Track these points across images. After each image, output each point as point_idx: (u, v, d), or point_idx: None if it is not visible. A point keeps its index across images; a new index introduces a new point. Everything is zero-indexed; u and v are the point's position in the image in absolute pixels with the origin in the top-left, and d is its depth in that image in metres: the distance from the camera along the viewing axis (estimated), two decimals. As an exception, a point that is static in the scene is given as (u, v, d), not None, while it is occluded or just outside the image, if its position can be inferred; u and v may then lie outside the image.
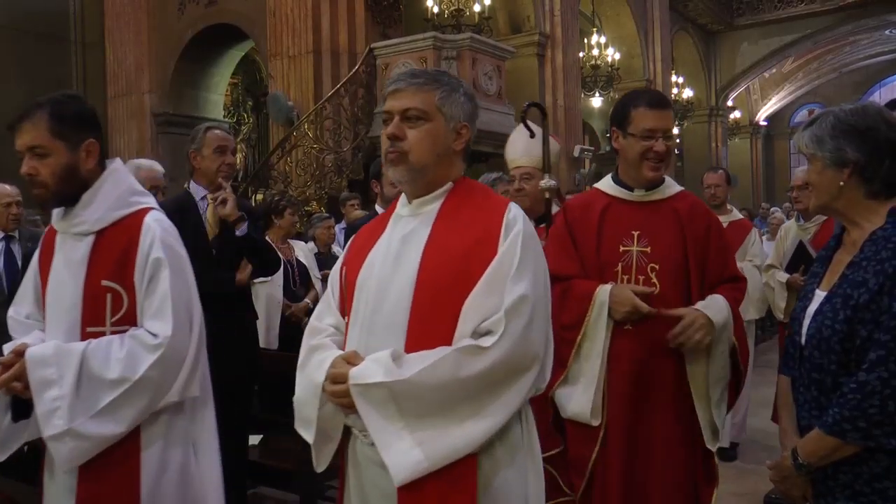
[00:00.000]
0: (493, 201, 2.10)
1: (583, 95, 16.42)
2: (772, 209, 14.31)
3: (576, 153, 14.42)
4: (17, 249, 5.30)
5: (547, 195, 3.53)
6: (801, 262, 5.12)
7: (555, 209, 3.50)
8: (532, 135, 3.53)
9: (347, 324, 2.11)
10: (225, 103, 14.56)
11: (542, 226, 3.47)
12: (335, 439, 2.11)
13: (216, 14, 12.37)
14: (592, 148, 16.71)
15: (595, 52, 16.91)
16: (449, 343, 1.90)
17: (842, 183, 2.12)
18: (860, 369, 1.97)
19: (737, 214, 6.14)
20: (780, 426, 2.33)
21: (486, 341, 1.87)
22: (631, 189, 2.98)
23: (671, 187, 2.99)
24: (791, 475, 2.14)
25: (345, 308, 2.15)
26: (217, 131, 3.97)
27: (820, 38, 22.53)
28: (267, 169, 10.79)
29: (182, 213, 3.71)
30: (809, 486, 2.14)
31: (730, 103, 24.73)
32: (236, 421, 3.81)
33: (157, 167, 4.65)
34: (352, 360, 1.95)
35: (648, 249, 2.84)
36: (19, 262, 5.19)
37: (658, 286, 2.81)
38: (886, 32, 23.63)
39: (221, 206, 3.75)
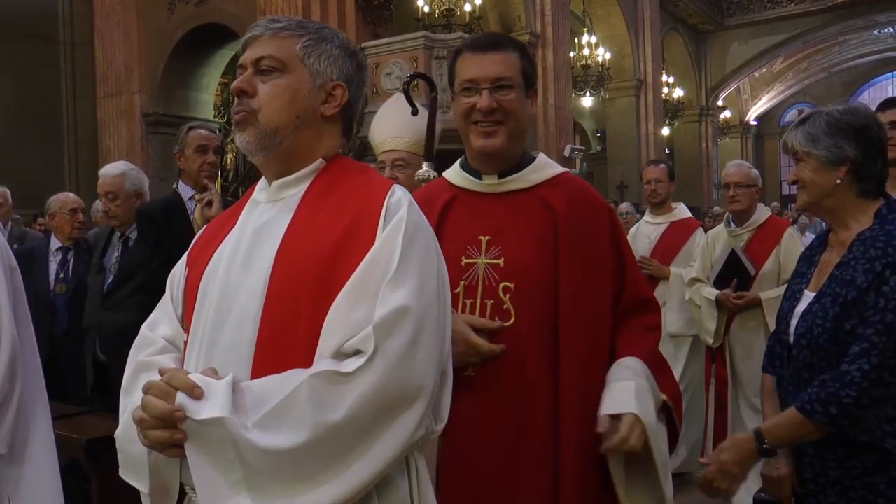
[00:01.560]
0: (372, 182, 1.62)
1: (573, 95, 16.45)
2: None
3: (566, 153, 14.45)
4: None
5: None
6: (734, 274, 4.31)
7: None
8: (414, 111, 2.86)
9: (187, 341, 1.62)
10: (215, 103, 14.52)
11: None
12: (173, 493, 1.54)
13: (206, 14, 12.33)
14: (583, 148, 16.75)
15: (586, 51, 16.96)
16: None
17: (839, 181, 2.14)
18: (844, 360, 1.99)
19: (682, 213, 5.41)
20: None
21: (350, 364, 1.39)
22: (479, 176, 2.15)
23: (542, 169, 2.12)
24: (747, 456, 2.10)
25: (186, 318, 1.65)
26: (199, 130, 3.91)
27: (809, 38, 22.66)
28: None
29: (169, 213, 3.70)
30: (790, 479, 2.14)
31: (720, 103, 24.83)
32: None
33: None
34: (177, 383, 1.39)
35: (500, 262, 2.01)
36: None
37: (512, 315, 2.00)
38: (875, 32, 23.80)
39: (207, 207, 3.72)
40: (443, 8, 12.05)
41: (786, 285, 3.69)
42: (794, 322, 2.20)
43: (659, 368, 2.08)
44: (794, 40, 22.66)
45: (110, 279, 4.23)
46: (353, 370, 1.37)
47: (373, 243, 1.48)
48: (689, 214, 5.45)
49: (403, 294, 1.42)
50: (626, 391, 1.95)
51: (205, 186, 3.73)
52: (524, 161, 2.13)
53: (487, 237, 2.06)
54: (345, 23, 10.94)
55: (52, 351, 4.68)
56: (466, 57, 2.07)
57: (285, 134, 1.60)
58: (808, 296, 2.20)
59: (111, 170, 4.25)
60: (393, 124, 3.18)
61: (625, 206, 9.11)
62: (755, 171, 4.49)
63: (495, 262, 2.03)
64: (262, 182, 1.72)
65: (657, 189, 5.31)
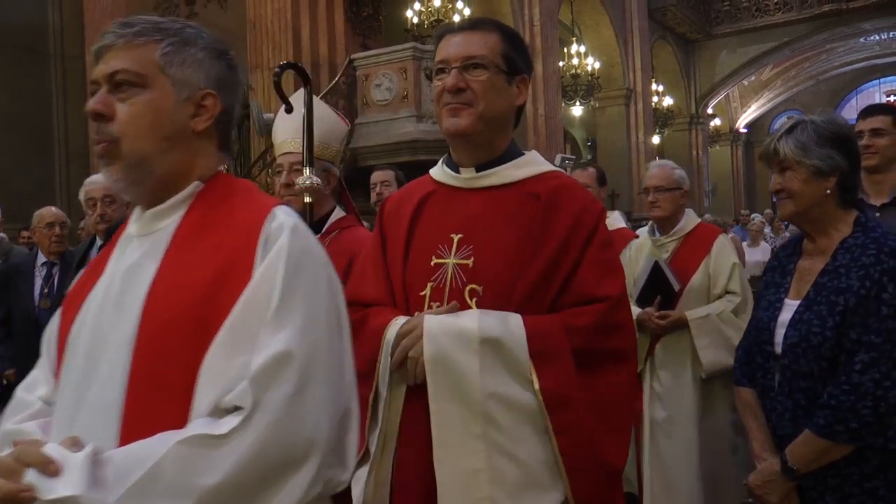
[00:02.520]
0: (252, 204, 1.41)
1: (563, 104, 16.51)
2: (752, 216, 14.41)
3: (557, 162, 14.46)
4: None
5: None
6: (657, 289, 3.70)
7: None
8: (289, 109, 2.59)
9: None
10: (207, 116, 14.51)
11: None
12: None
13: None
14: (573, 157, 16.78)
15: (575, 61, 17.03)
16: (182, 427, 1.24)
17: (829, 191, 2.15)
18: (853, 371, 1.98)
19: (616, 222, 4.79)
20: (750, 437, 2.30)
21: (226, 424, 1.20)
22: (458, 169, 1.99)
23: (528, 166, 1.93)
24: (776, 481, 2.13)
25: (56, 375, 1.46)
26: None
27: (797, 46, 22.81)
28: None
29: None
30: (794, 493, 2.13)
31: (710, 111, 24.96)
32: None
33: None
34: (29, 458, 1.20)
35: (470, 262, 1.82)
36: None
37: None
38: (861, 40, 23.97)
39: None
40: (431, 19, 12.10)
41: (719, 303, 3.62)
42: (779, 332, 2.18)
43: (544, 349, 1.70)
44: (782, 48, 22.81)
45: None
46: (227, 431, 1.19)
47: (250, 277, 1.28)
48: (622, 224, 5.00)
49: (285, 337, 1.24)
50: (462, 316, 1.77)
51: None
52: (507, 155, 1.94)
53: (459, 235, 1.87)
54: (334, 34, 10.98)
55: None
56: (444, 39, 1.93)
57: (154, 162, 1.38)
58: (791, 304, 2.19)
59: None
60: (289, 125, 2.79)
61: (616, 215, 9.03)
62: (679, 172, 3.90)
63: (464, 262, 1.83)
64: (135, 212, 1.47)
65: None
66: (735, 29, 23.06)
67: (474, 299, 1.81)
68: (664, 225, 3.91)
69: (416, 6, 12.26)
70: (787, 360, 2.14)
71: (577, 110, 18.10)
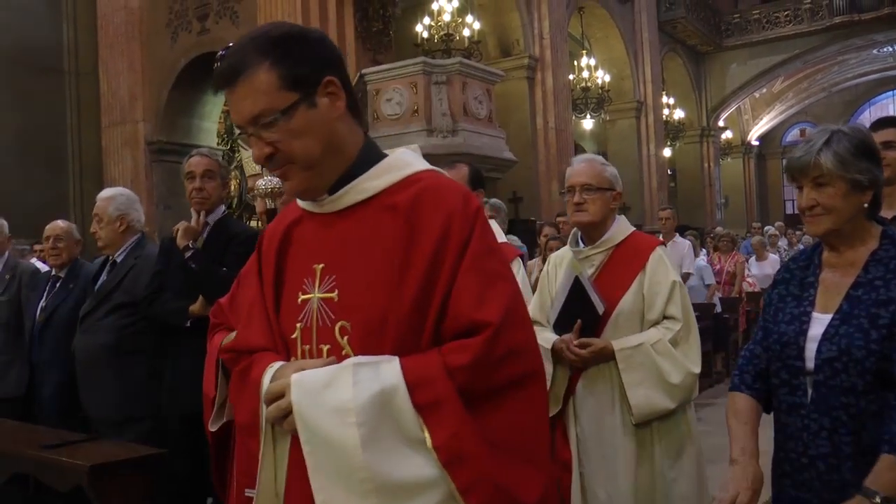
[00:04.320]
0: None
1: (574, 118, 16.54)
2: (765, 228, 14.37)
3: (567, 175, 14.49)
4: None
5: (268, 203, 2.22)
6: (577, 311, 3.02)
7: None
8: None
9: None
10: (218, 130, 14.63)
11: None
12: None
13: (208, 42, 12.46)
14: (585, 169, 16.79)
15: (585, 74, 17.09)
16: None
17: (866, 205, 2.09)
18: None
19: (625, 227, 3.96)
20: (731, 438, 2.18)
21: None
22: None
23: (386, 173, 1.62)
24: None
25: None
26: (191, 157, 3.87)
27: (808, 58, 22.81)
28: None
29: (172, 242, 3.73)
30: None
31: (721, 123, 24.96)
32: (197, 476, 3.44)
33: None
34: None
35: (334, 295, 1.59)
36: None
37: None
38: (874, 52, 23.93)
39: (181, 235, 3.72)
40: (441, 33, 12.17)
41: (654, 331, 2.98)
42: (810, 346, 2.09)
43: (430, 398, 1.45)
44: (794, 60, 22.81)
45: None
46: None
47: None
48: (503, 238, 4.21)
49: None
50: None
51: (198, 213, 3.74)
52: (360, 164, 1.61)
53: (321, 265, 1.62)
54: (345, 49, 11.05)
55: (30, 379, 4.81)
56: (225, 96, 1.62)
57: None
58: (821, 318, 2.11)
59: (103, 193, 4.32)
60: None
61: (772, 231, 8.99)
62: (611, 170, 3.21)
63: (328, 296, 1.59)
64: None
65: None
66: (746, 41, 23.09)
67: (345, 337, 1.55)
68: (590, 233, 3.17)
69: (426, 21, 12.33)
70: (823, 375, 2.05)
71: (587, 123, 18.13)
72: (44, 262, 7.07)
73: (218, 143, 14.41)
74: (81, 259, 5.04)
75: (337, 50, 1.63)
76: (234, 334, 1.83)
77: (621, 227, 3.17)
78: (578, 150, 18.91)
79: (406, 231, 1.52)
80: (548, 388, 3.02)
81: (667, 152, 21.04)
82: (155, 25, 12.95)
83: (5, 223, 5.50)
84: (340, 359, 1.52)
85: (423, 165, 1.65)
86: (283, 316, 1.67)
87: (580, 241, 3.22)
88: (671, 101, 21.89)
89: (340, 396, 1.43)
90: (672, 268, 3.12)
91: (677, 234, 8.93)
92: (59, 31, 13.79)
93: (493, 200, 5.91)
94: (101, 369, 3.91)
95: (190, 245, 3.62)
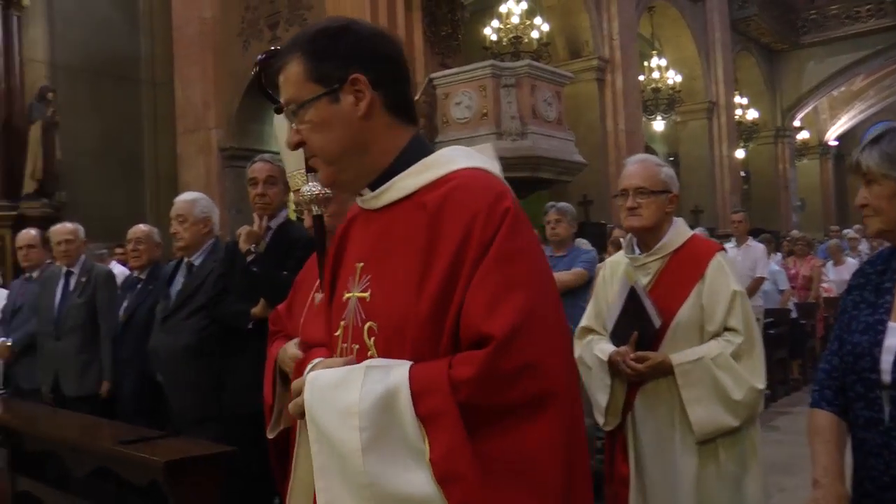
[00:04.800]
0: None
1: (644, 119, 16.33)
2: (844, 231, 13.92)
3: (638, 177, 14.31)
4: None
5: (313, 209, 2.15)
6: (634, 322, 2.88)
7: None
8: (279, 108, 2.03)
9: None
10: (289, 136, 14.88)
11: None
12: None
13: (279, 50, 12.70)
14: (655, 172, 16.55)
15: (655, 74, 16.83)
16: None
17: None
18: None
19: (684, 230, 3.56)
20: (814, 461, 2.06)
21: None
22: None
23: (428, 170, 1.56)
24: None
25: None
26: (254, 163, 3.93)
27: (892, 54, 21.97)
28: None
29: (235, 245, 3.79)
30: None
31: (797, 123, 24.26)
32: (260, 475, 3.37)
33: None
34: None
35: (367, 295, 1.57)
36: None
37: None
38: (961, 46, 22.95)
39: (243, 239, 3.76)
40: (510, 36, 12.14)
41: (714, 344, 2.78)
42: (886, 358, 1.97)
43: (433, 409, 1.37)
44: (875, 57, 21.99)
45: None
46: None
47: None
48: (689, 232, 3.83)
49: None
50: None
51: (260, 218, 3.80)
52: (401, 162, 1.57)
53: (361, 264, 1.61)
54: (413, 54, 11.11)
55: (114, 376, 5.08)
56: None
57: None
58: None
59: (185, 196, 4.40)
60: (294, 154, 2.36)
61: (699, 232, 8.75)
62: (666, 171, 3.03)
63: (363, 295, 1.58)
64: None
65: None
66: (823, 38, 22.37)
67: (372, 339, 1.53)
68: (645, 239, 3.00)
69: (495, 24, 12.32)
70: None
71: (658, 125, 17.85)
72: (123, 264, 7.28)
73: (289, 149, 14.63)
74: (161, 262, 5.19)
75: (383, 47, 1.58)
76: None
77: (678, 232, 2.99)
78: (649, 151, 18.66)
79: (430, 231, 1.46)
80: (605, 403, 2.96)
81: (740, 154, 20.58)
82: (227, 35, 13.23)
83: (81, 228, 5.70)
84: (365, 359, 1.49)
85: (468, 163, 1.55)
86: (333, 312, 1.69)
87: (635, 247, 3.05)
88: (744, 101, 21.38)
89: (347, 398, 1.40)
90: (734, 276, 2.89)
91: (750, 238, 8.73)
92: (137, 43, 14.24)
93: (562, 204, 5.84)
94: (183, 369, 3.99)
95: (252, 249, 3.68)
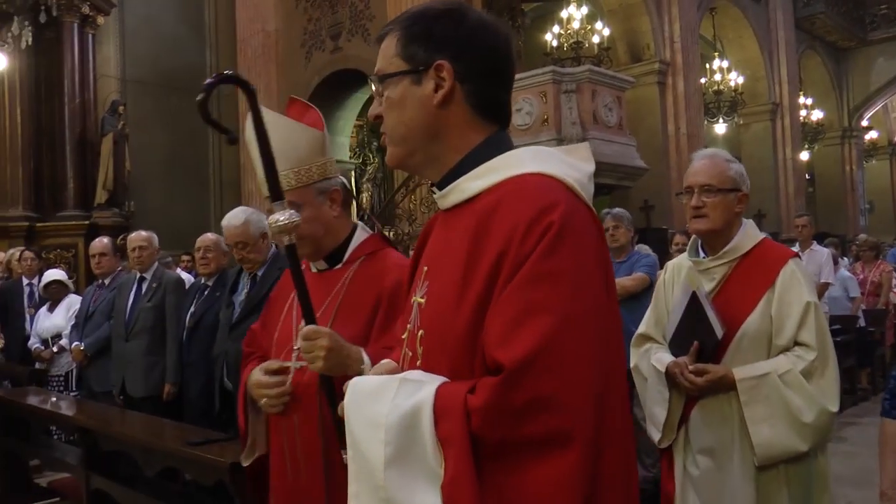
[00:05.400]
0: None
1: (706, 122, 16.09)
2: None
3: (700, 181, 14.11)
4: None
5: (284, 239, 1.97)
6: (695, 331, 2.64)
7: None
8: (231, 139, 2.07)
9: None
10: (351, 145, 15.09)
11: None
12: None
13: (341, 60, 12.87)
14: (718, 175, 16.29)
15: (717, 76, 16.58)
16: None
17: None
18: None
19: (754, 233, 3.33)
20: (882, 473, 2.01)
21: None
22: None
23: (491, 173, 1.46)
24: None
25: None
26: None
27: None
28: (392, 207, 11.09)
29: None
30: None
31: (865, 123, 23.57)
32: None
33: None
34: None
35: (424, 301, 1.52)
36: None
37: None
38: None
39: None
40: (571, 41, 12.11)
41: (784, 359, 2.54)
42: None
43: (449, 432, 1.29)
44: (949, 52, 21.32)
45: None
46: None
47: None
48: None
49: None
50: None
51: None
52: (468, 162, 1.49)
53: (426, 268, 1.55)
54: (473, 62, 11.19)
55: (179, 379, 5.29)
56: None
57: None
58: None
59: (233, 220, 4.39)
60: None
61: None
62: (736, 167, 2.76)
63: (421, 301, 1.52)
64: None
65: None
66: (894, 33, 21.76)
67: (421, 348, 1.47)
68: (711, 241, 2.76)
69: (556, 29, 12.31)
70: None
71: (720, 128, 17.56)
72: (188, 272, 7.48)
73: (350, 157, 14.85)
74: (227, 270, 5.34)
75: (484, 40, 1.48)
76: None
77: (748, 235, 2.74)
78: (711, 155, 18.39)
79: (475, 240, 1.38)
80: (663, 417, 2.71)
81: (804, 156, 20.09)
82: (290, 46, 13.47)
83: (155, 236, 5.90)
84: (415, 369, 1.45)
85: (536, 167, 1.42)
86: (404, 315, 1.64)
87: (700, 250, 2.81)
88: (809, 101, 20.87)
89: (378, 409, 1.35)
90: (808, 286, 2.63)
91: (815, 242, 8.53)
92: (203, 57, 14.62)
93: (616, 210, 5.81)
94: None
95: None
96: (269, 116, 2.16)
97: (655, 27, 14.06)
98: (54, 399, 5.47)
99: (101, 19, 12.22)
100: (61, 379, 6.84)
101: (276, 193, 1.95)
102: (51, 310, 7.01)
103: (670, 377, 2.67)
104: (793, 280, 2.60)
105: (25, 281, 7.79)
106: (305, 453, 2.15)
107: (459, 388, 1.31)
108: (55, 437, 5.90)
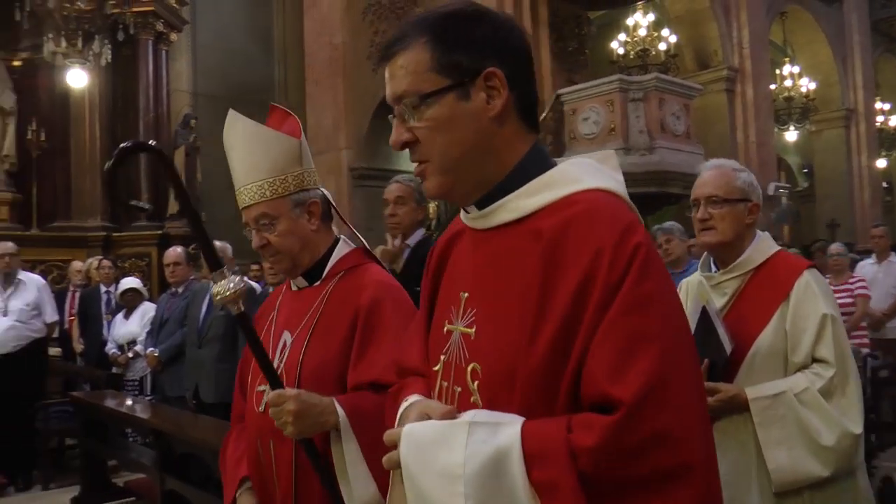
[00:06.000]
0: None
1: (776, 130, 15.76)
2: None
3: (770, 191, 13.78)
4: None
5: (232, 308, 1.90)
6: (707, 348, 2.43)
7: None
8: (142, 209, 1.89)
9: None
10: (416, 155, 15.20)
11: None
12: None
13: (407, 71, 13.00)
14: (788, 185, 15.95)
15: (788, 82, 16.23)
16: None
17: None
18: None
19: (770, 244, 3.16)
20: None
21: None
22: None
23: (546, 189, 1.34)
24: None
25: None
26: (390, 184, 4.02)
27: None
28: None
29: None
30: None
31: (946, 129, 22.79)
32: None
33: None
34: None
35: (472, 332, 1.37)
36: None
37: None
38: None
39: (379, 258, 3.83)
40: (637, 49, 12.01)
41: (801, 377, 2.38)
42: None
43: (549, 477, 1.17)
44: None
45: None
46: None
47: None
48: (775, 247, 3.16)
49: None
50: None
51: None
52: (517, 176, 1.35)
53: (466, 294, 1.40)
54: (540, 71, 11.16)
55: None
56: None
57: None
58: None
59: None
60: (244, 161, 2.15)
61: (836, 247, 7.96)
62: (745, 177, 2.62)
63: (467, 330, 1.37)
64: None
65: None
66: (976, 37, 20.98)
67: (476, 382, 1.33)
68: (722, 255, 2.61)
69: (622, 37, 12.22)
70: None
71: (791, 135, 17.19)
72: (257, 281, 7.64)
73: (414, 168, 14.94)
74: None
75: (518, 39, 1.36)
76: None
77: (761, 247, 2.58)
78: (781, 163, 17.99)
79: (547, 266, 1.25)
80: None
81: (881, 163, 19.49)
82: (356, 58, 13.65)
83: (229, 246, 6.03)
84: (469, 407, 1.31)
85: (595, 183, 1.32)
86: (431, 343, 1.49)
87: (712, 264, 2.67)
88: (886, 106, 20.26)
89: (451, 459, 1.21)
90: (825, 298, 2.43)
91: (893, 254, 8.24)
92: (271, 71, 14.95)
93: (665, 224, 5.75)
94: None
95: (386, 267, 3.78)
96: (242, 124, 2.12)
97: (723, 33, 13.84)
98: (130, 402, 5.64)
99: (174, 36, 12.62)
100: (136, 383, 7.07)
101: (214, 263, 1.88)
102: (126, 316, 7.21)
103: None
104: (808, 292, 2.42)
105: (103, 288, 8.04)
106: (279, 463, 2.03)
107: (552, 426, 1.19)
108: (131, 439, 6.06)
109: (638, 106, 10.27)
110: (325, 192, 2.26)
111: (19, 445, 6.80)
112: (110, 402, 5.58)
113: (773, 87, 15.53)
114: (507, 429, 1.20)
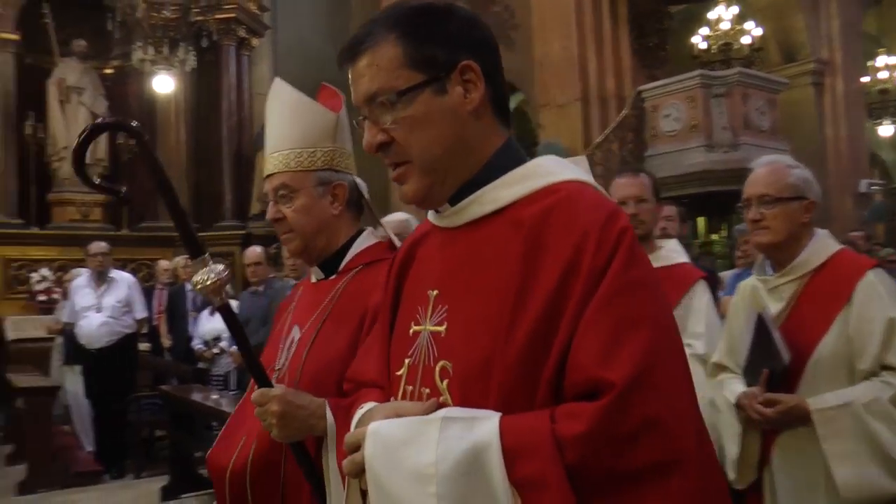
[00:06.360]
0: None
1: (869, 125, 15.19)
2: None
3: (862, 188, 13.27)
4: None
5: (215, 300, 1.77)
6: (765, 358, 2.36)
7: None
8: (116, 192, 1.91)
9: None
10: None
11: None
12: None
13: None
14: (883, 182, 15.35)
15: (882, 75, 15.61)
16: None
17: None
18: None
19: (674, 254, 3.11)
20: None
21: None
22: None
23: (525, 180, 1.31)
24: None
25: None
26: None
27: None
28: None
29: None
30: None
31: None
32: None
33: None
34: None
35: (442, 329, 1.31)
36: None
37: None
38: None
39: None
40: (720, 43, 11.74)
41: (868, 386, 2.24)
42: None
43: (531, 473, 1.10)
44: None
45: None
46: None
47: None
48: (683, 258, 3.14)
49: None
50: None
51: None
52: (492, 169, 1.32)
53: (435, 292, 1.34)
54: (621, 67, 11.01)
55: None
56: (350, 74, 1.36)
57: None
58: None
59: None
60: (278, 128, 2.05)
61: None
62: (798, 173, 2.48)
63: (437, 329, 1.31)
64: None
65: (639, 213, 2.93)
66: None
67: (445, 381, 1.26)
68: (777, 257, 2.48)
69: (704, 31, 11.96)
70: None
71: (885, 130, 16.53)
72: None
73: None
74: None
75: (487, 32, 1.34)
76: None
77: (819, 247, 2.43)
78: (875, 159, 17.32)
79: (528, 254, 1.21)
80: (735, 455, 2.42)
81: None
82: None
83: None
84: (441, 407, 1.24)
85: (571, 175, 1.30)
86: (394, 348, 1.42)
87: (767, 267, 2.54)
88: None
89: (421, 458, 1.13)
90: (892, 299, 2.29)
91: None
92: (346, 74, 15.07)
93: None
94: None
95: None
96: (284, 91, 2.04)
97: (811, 24, 13.36)
98: (215, 396, 5.75)
99: (255, 41, 12.97)
100: (222, 378, 7.24)
101: (194, 249, 1.75)
102: (212, 314, 7.38)
103: (741, 407, 2.39)
104: (872, 293, 2.29)
105: (189, 286, 8.24)
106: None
107: (534, 418, 1.13)
108: (216, 433, 6.18)
109: (720, 102, 10.04)
110: (360, 181, 2.12)
111: (114, 436, 7.14)
112: (197, 396, 5.72)
113: (865, 79, 14.96)
114: (484, 423, 1.14)
